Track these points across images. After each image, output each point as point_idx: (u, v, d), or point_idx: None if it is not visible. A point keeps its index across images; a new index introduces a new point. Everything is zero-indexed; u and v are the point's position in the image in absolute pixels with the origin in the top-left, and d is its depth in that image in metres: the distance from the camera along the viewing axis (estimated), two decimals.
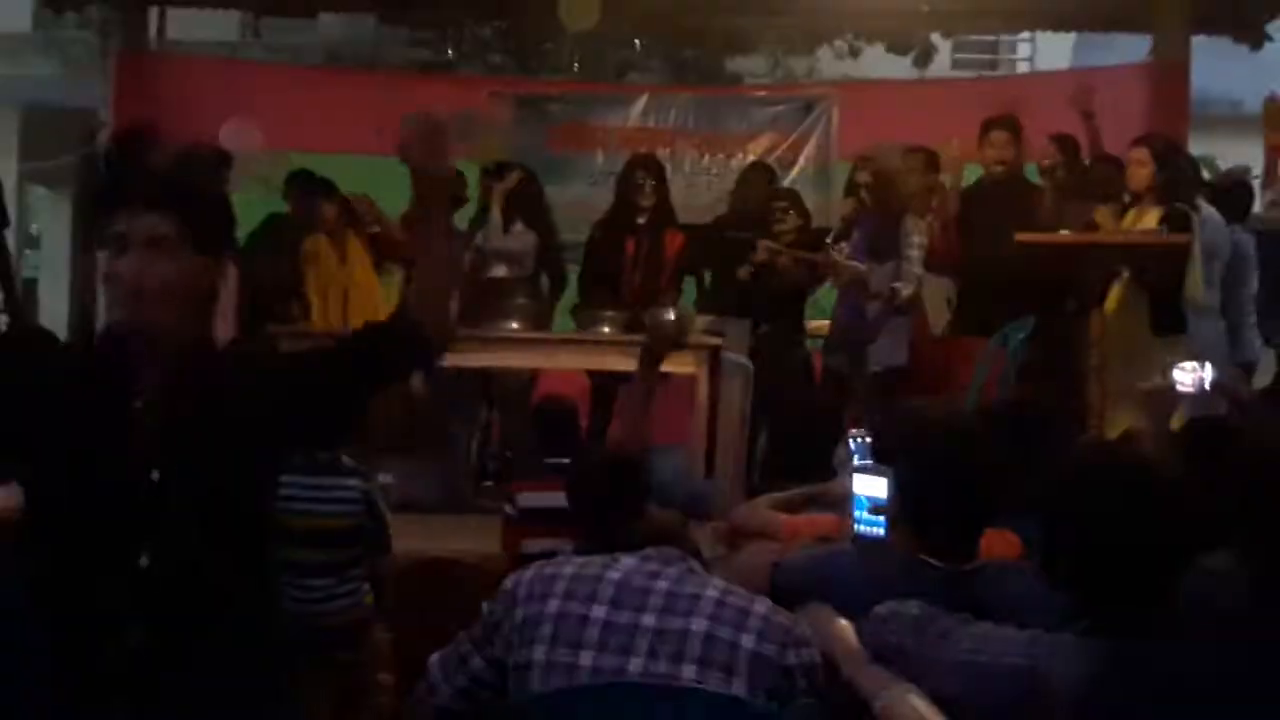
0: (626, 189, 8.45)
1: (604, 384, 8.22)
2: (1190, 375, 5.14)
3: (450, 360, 7.80)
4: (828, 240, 8.19)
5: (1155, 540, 2.39)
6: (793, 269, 8.14)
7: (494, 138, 10.41)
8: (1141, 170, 7.11)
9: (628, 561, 2.90)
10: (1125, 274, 7.10)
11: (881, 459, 3.46)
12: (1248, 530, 2.31)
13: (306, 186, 8.74)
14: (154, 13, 11.55)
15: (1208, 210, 7.22)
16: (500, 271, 8.42)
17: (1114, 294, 7.18)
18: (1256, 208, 8.38)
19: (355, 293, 8.55)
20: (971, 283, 7.95)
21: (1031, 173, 8.14)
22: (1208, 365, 5.16)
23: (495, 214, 8.47)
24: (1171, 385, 4.69)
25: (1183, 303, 6.93)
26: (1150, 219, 7.15)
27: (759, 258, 8.16)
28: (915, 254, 7.63)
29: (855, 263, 7.53)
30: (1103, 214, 7.33)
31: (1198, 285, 6.88)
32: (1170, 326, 6.89)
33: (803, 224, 8.49)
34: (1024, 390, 6.42)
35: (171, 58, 11.58)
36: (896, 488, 3.08)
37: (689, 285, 8.82)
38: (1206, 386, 5.13)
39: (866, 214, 7.88)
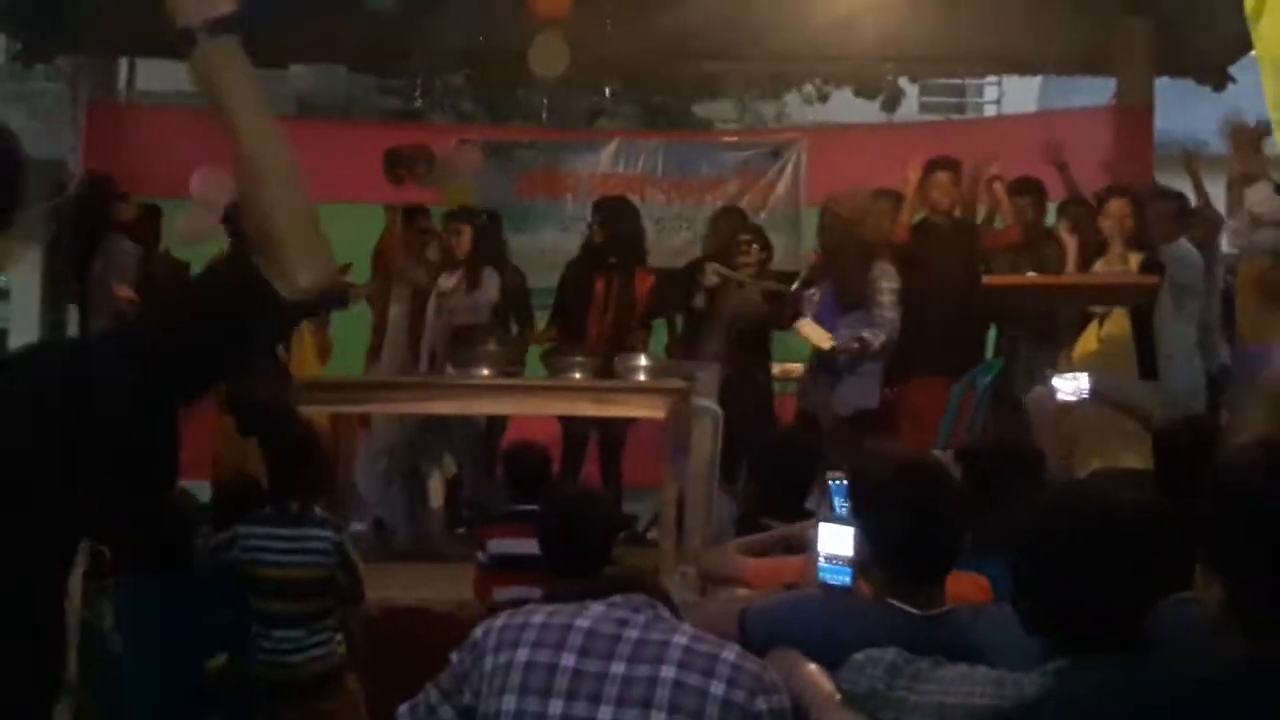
0: (592, 230, 8.49)
1: (575, 430, 8.23)
2: (1070, 384, 5.21)
3: (420, 407, 7.88)
4: (794, 286, 8.21)
5: (1121, 582, 2.40)
6: (752, 296, 8.17)
7: (462, 185, 10.44)
8: (1124, 221, 7.20)
9: (596, 609, 2.89)
10: (1098, 317, 7.15)
11: (850, 502, 3.46)
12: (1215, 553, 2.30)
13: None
14: (124, 63, 11.55)
15: (1184, 249, 7.29)
16: (463, 319, 8.42)
17: (1088, 335, 7.23)
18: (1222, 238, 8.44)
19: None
20: (926, 324, 7.98)
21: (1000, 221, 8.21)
22: (1085, 375, 5.23)
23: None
24: (1052, 393, 4.73)
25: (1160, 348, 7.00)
26: (1130, 263, 7.22)
27: (709, 282, 8.20)
28: (887, 299, 7.66)
29: (815, 327, 7.54)
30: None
31: (1166, 339, 6.95)
32: (1151, 371, 6.97)
33: (765, 258, 8.52)
34: (992, 432, 6.46)
35: (141, 108, 11.58)
36: (864, 532, 3.09)
37: (659, 329, 8.85)
38: (1085, 395, 5.18)
39: (833, 259, 7.91)
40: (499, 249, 8.90)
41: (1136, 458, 6.24)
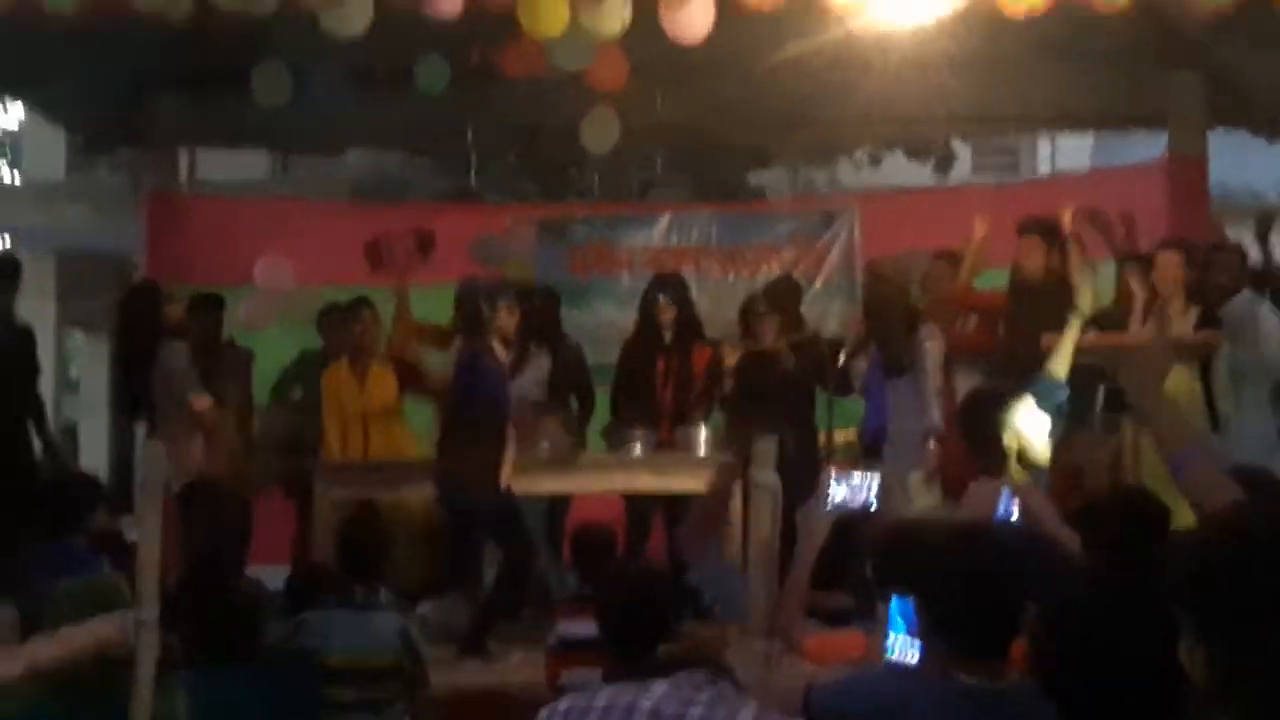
0: (650, 308, 8.50)
1: (639, 506, 8.21)
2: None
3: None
4: (841, 357, 8.18)
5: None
6: (786, 351, 8.17)
7: (519, 263, 10.54)
8: (1174, 273, 7.13)
9: (659, 688, 2.88)
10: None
11: (907, 575, 3.43)
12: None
13: (338, 315, 8.73)
14: (184, 154, 11.75)
15: (1242, 302, 7.20)
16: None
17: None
18: None
19: (374, 422, 8.49)
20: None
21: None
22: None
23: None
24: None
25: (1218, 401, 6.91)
26: (1186, 318, 7.15)
27: (728, 363, 8.22)
28: (931, 364, 7.62)
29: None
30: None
31: (1225, 393, 6.86)
32: (1215, 424, 6.88)
33: (783, 322, 8.52)
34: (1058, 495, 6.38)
35: (202, 198, 11.77)
36: (923, 604, 3.07)
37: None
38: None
39: (878, 326, 7.86)
40: (551, 327, 8.93)
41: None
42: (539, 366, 8.56)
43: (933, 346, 7.63)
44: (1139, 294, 7.35)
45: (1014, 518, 4.46)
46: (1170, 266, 7.17)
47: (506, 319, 7.54)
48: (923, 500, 6.61)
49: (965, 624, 2.98)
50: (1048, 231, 7.91)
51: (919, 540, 3.49)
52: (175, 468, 6.99)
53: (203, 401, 7.75)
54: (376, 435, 8.47)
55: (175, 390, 7.79)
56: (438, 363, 8.26)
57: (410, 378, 8.53)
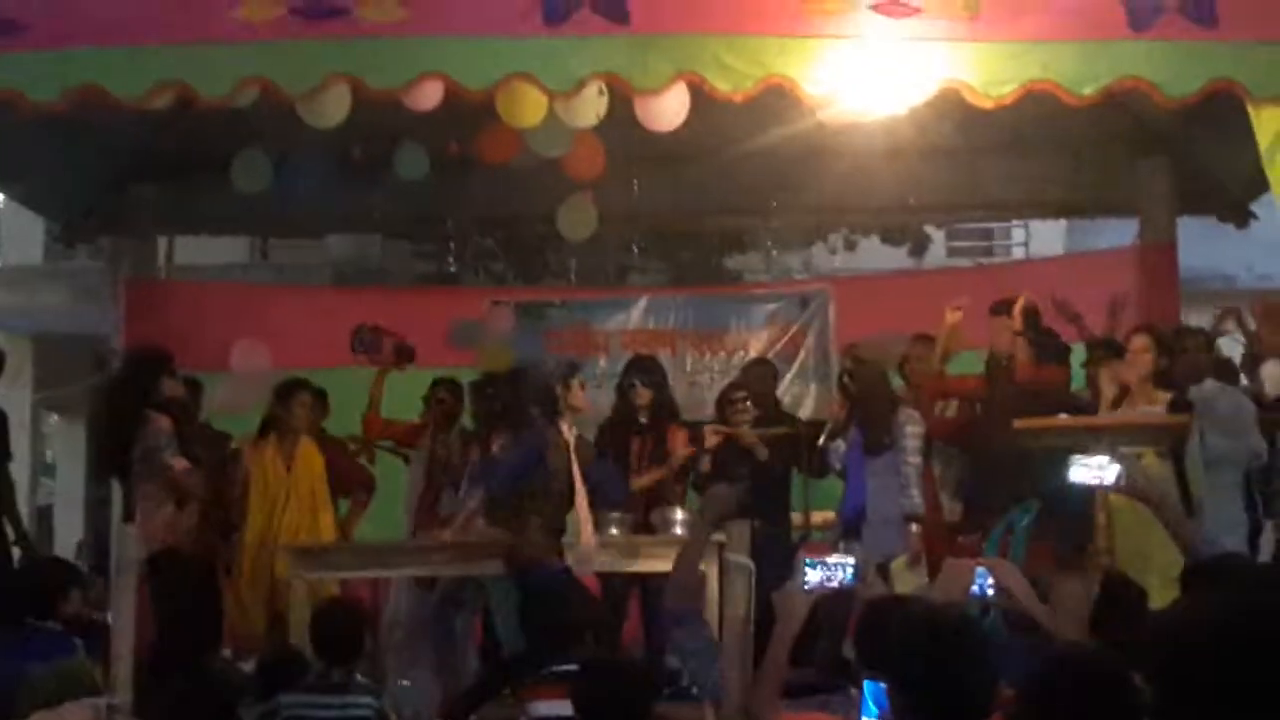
0: (626, 391, 8.56)
1: (615, 585, 8.22)
2: (1094, 471, 4.93)
3: (457, 568, 7.90)
4: (820, 439, 8.23)
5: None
6: (759, 445, 8.22)
7: (497, 347, 10.58)
8: (1144, 357, 7.21)
9: None
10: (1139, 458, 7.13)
11: (877, 657, 3.46)
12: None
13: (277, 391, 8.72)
14: (163, 240, 11.81)
15: (1210, 388, 7.27)
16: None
17: None
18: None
19: (294, 502, 8.39)
20: (981, 467, 7.99)
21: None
22: (1115, 464, 4.94)
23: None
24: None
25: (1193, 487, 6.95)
26: (1156, 401, 7.22)
27: (710, 444, 8.28)
28: (911, 444, 7.69)
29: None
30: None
31: (1198, 478, 6.91)
32: (1190, 508, 6.91)
33: (760, 413, 8.59)
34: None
35: (179, 284, 11.82)
36: (896, 686, 3.09)
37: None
38: (1112, 483, 4.94)
39: (858, 407, 7.94)
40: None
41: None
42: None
43: (912, 429, 7.71)
44: (1106, 386, 7.42)
45: (989, 594, 4.49)
46: (1140, 350, 7.26)
47: (579, 396, 7.62)
48: (906, 583, 6.65)
49: (933, 704, 3.01)
50: (1021, 311, 8.02)
51: (892, 622, 3.52)
52: (147, 539, 6.98)
53: (182, 462, 7.72)
54: (300, 515, 8.37)
55: (155, 458, 7.76)
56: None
57: (343, 470, 8.62)
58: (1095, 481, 5.00)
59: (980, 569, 4.64)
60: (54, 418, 19.29)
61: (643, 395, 8.45)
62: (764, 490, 8.15)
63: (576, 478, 7.31)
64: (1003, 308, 8.06)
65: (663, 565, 7.60)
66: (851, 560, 4.35)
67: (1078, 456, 5.06)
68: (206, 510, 8.06)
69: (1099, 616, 3.88)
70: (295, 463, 8.43)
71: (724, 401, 8.67)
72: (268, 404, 8.67)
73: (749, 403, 8.50)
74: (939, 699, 3.00)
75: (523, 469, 7.25)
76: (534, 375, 7.79)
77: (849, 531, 7.80)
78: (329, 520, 8.55)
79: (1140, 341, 7.31)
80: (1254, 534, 7.35)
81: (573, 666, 5.52)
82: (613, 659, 4.65)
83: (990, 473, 7.84)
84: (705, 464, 8.37)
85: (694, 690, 7.92)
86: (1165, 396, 7.11)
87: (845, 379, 8.11)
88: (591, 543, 7.30)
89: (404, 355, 9.06)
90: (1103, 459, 5.00)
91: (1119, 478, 4.90)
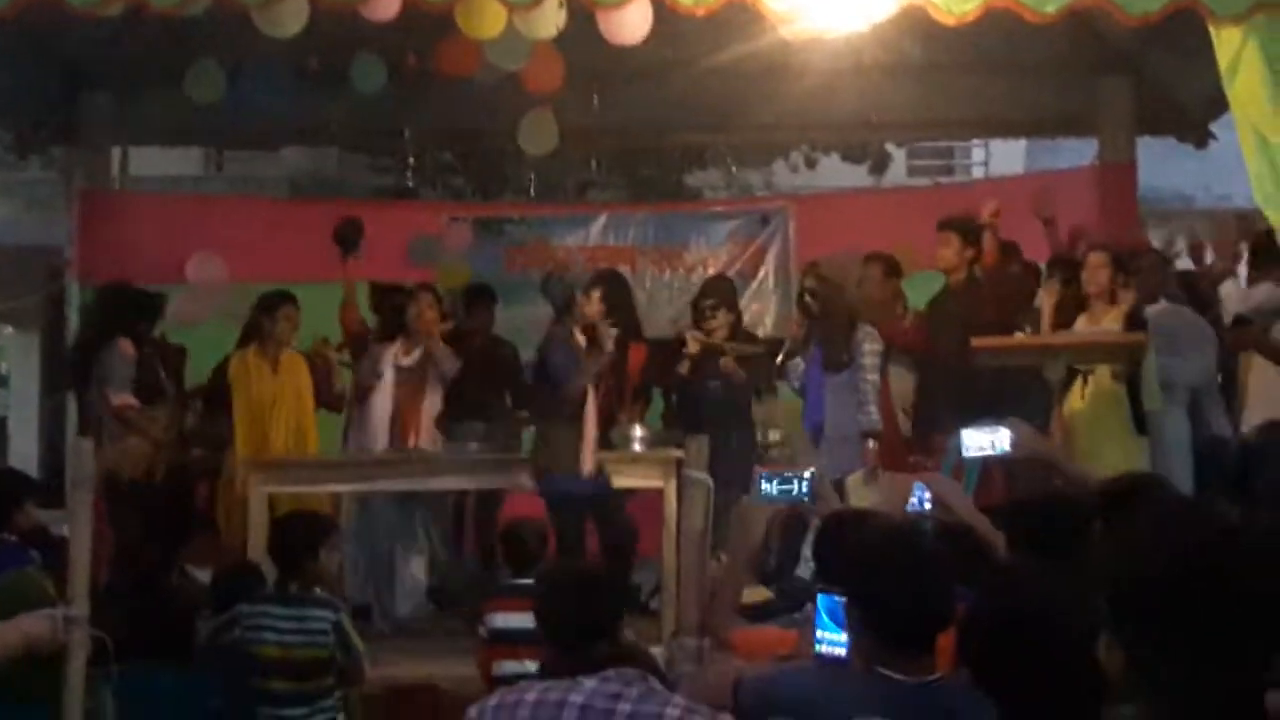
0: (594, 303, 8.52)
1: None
2: (984, 438, 4.98)
3: (411, 483, 7.95)
4: (778, 358, 8.26)
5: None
6: (731, 366, 8.27)
7: (454, 263, 10.55)
8: (1101, 273, 7.26)
9: (589, 684, 2.92)
10: (1091, 374, 7.20)
11: (835, 571, 3.48)
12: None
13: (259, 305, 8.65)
14: (117, 151, 11.66)
15: (1165, 305, 7.33)
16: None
17: (1073, 393, 7.28)
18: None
19: (282, 410, 8.36)
20: (930, 386, 8.04)
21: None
22: (1003, 430, 4.99)
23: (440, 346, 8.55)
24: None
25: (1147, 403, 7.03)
26: (1111, 319, 7.29)
27: (691, 350, 8.32)
28: (869, 361, 7.72)
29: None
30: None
31: (1154, 394, 6.98)
32: (1142, 426, 7.00)
33: (734, 321, 8.62)
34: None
35: (133, 195, 11.68)
36: (851, 600, 3.12)
37: (655, 400, 8.93)
38: (1002, 450, 4.98)
39: (818, 325, 7.97)
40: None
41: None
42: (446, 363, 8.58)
43: (870, 346, 7.74)
44: (1047, 298, 7.48)
45: (927, 507, 4.54)
46: (1098, 268, 7.31)
47: (594, 307, 7.72)
48: (862, 498, 6.70)
49: (891, 619, 3.04)
50: (965, 228, 8.05)
51: (850, 535, 3.55)
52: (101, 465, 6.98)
53: (124, 398, 7.69)
54: (286, 426, 8.35)
55: (108, 390, 7.77)
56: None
57: (321, 378, 8.56)
58: (988, 449, 4.98)
59: (918, 482, 4.69)
60: (8, 329, 19.13)
61: (598, 307, 8.42)
62: (730, 404, 8.20)
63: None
64: (950, 224, 8.09)
65: (625, 482, 7.71)
66: (807, 474, 4.37)
67: (965, 429, 5.05)
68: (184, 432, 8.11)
69: (1047, 531, 3.91)
70: (280, 370, 8.38)
71: (696, 310, 8.67)
72: (250, 314, 8.59)
73: (720, 310, 8.51)
74: (898, 614, 3.04)
75: (567, 373, 7.42)
76: (558, 283, 7.98)
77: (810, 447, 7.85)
78: (314, 432, 8.53)
79: (1096, 258, 7.36)
80: (1204, 455, 7.39)
81: (529, 581, 5.58)
82: (578, 571, 4.66)
83: (940, 390, 7.89)
84: (685, 368, 8.43)
85: (652, 605, 8.05)
86: (1120, 314, 7.17)
87: (807, 298, 8.11)
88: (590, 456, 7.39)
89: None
90: (992, 426, 5.00)
91: (1012, 442, 4.92)
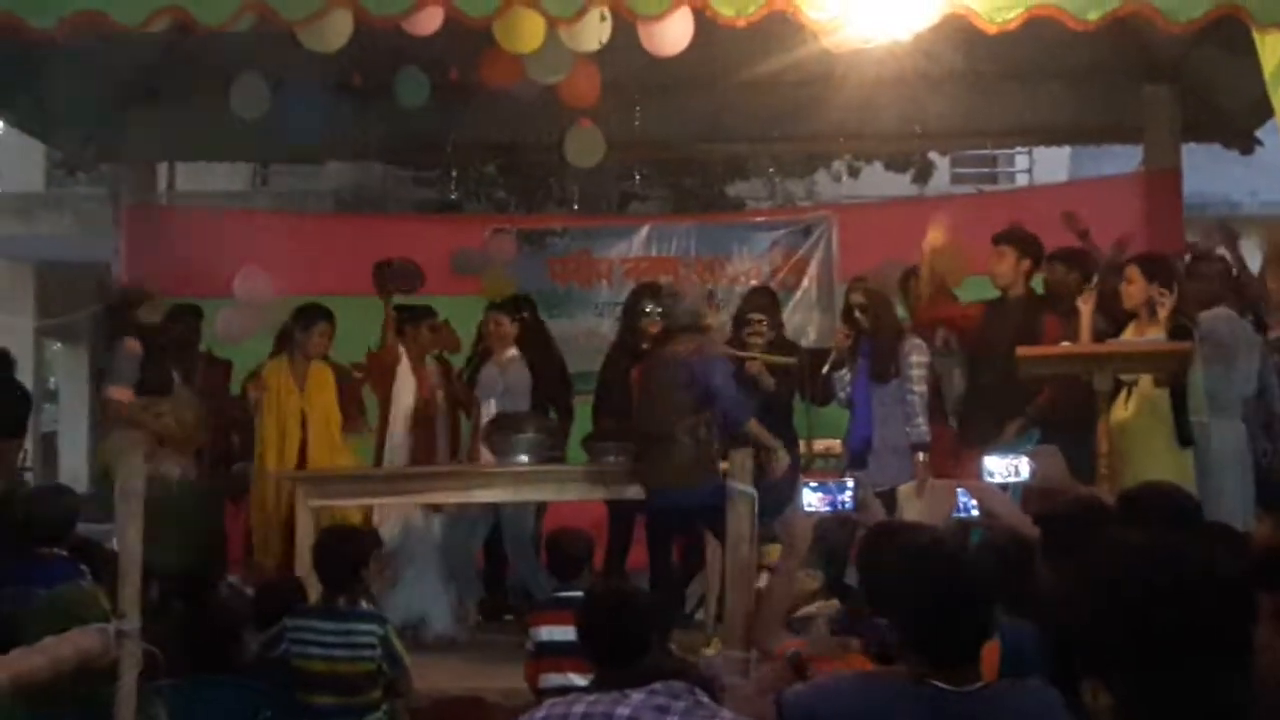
0: (632, 318, 8.54)
1: (621, 512, 8.25)
2: (1004, 464, 4.98)
3: (460, 496, 7.96)
4: (825, 369, 8.23)
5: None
6: (758, 368, 8.25)
7: (499, 274, 10.58)
8: (1131, 287, 7.20)
9: (636, 697, 2.93)
10: (1135, 384, 7.13)
11: (876, 585, 3.47)
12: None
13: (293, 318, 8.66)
14: (163, 167, 11.77)
15: (1216, 315, 7.24)
16: (494, 407, 8.49)
17: (1118, 404, 7.20)
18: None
19: (311, 425, 8.33)
20: (977, 397, 8.00)
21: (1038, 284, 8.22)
22: (1024, 459, 4.99)
23: (498, 354, 8.56)
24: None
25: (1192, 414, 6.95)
26: (1156, 329, 7.21)
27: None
28: (917, 373, 7.69)
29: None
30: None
31: (1199, 404, 6.91)
32: (1188, 438, 6.91)
33: (774, 335, 8.61)
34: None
35: (180, 210, 11.80)
36: (892, 620, 3.11)
37: None
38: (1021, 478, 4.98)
39: (866, 338, 7.96)
40: (546, 339, 9.00)
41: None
42: (522, 375, 8.60)
43: (917, 358, 7.71)
44: (1083, 310, 7.40)
45: (974, 514, 4.53)
46: (1135, 279, 7.24)
47: (715, 317, 7.71)
48: (913, 511, 6.68)
49: (930, 631, 3.03)
50: (1022, 241, 8.01)
51: (890, 549, 3.53)
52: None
53: (121, 392, 7.65)
54: (315, 441, 8.33)
55: (106, 381, 7.73)
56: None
57: (347, 398, 8.54)
58: (1010, 476, 5.01)
59: (962, 490, 4.69)
60: (56, 345, 19.31)
61: (654, 324, 8.40)
62: (769, 417, 8.17)
63: None
64: (1004, 238, 8.05)
65: None
66: (850, 484, 4.38)
67: (988, 458, 5.07)
68: (202, 440, 8.10)
69: (1082, 540, 3.89)
70: (308, 383, 8.39)
71: (741, 322, 8.65)
72: (284, 324, 8.62)
73: (764, 324, 8.50)
74: (936, 627, 3.03)
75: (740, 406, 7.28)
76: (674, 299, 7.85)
77: (855, 461, 7.81)
78: (342, 445, 8.52)
79: (1130, 271, 7.29)
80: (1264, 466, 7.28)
81: (576, 594, 5.58)
82: (617, 590, 4.66)
83: (986, 395, 7.85)
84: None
85: (697, 616, 8.05)
86: (1164, 323, 7.09)
87: (857, 314, 8.06)
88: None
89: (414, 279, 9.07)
90: (1013, 456, 5.02)
91: (1031, 470, 4.93)
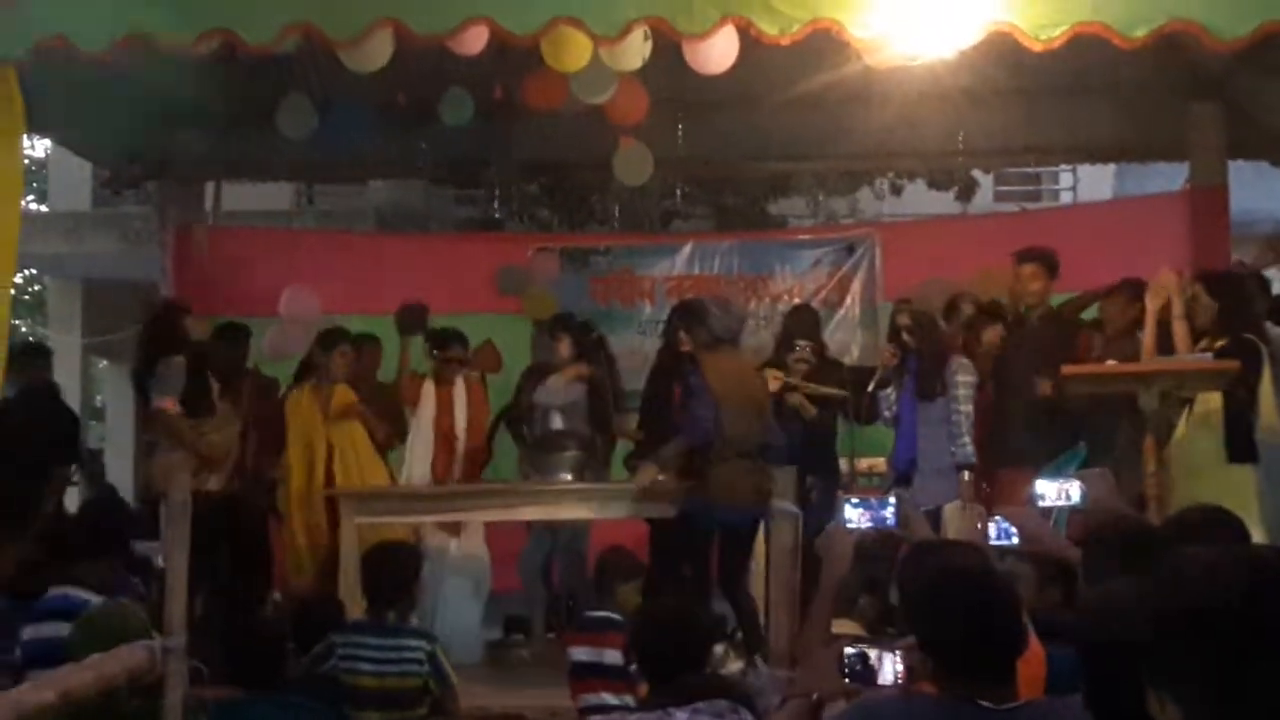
0: (672, 336, 8.53)
1: (663, 530, 8.24)
2: (1055, 488, 4.99)
3: (503, 515, 7.97)
4: (870, 386, 8.19)
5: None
6: (800, 400, 8.24)
7: (541, 293, 10.61)
8: (1198, 305, 7.13)
9: (680, 716, 2.93)
10: (1191, 404, 7.06)
11: (914, 601, 3.45)
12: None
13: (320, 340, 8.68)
14: (209, 186, 11.86)
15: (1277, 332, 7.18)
16: (557, 424, 8.50)
17: (1180, 421, 7.13)
18: None
19: (337, 449, 8.36)
20: (1006, 415, 7.96)
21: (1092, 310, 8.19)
22: (1076, 483, 4.99)
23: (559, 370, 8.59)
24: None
25: (1256, 431, 6.87)
26: (1209, 346, 7.14)
27: (771, 389, 8.28)
28: (963, 393, 7.67)
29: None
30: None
31: (1271, 414, 6.84)
32: (1245, 454, 6.83)
33: (819, 359, 8.59)
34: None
35: (226, 229, 11.86)
36: (925, 641, 3.10)
37: None
38: (1072, 503, 4.97)
39: (912, 357, 7.94)
40: (607, 356, 9.00)
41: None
42: (577, 390, 8.60)
43: (964, 378, 7.69)
44: (1178, 327, 7.28)
45: (1014, 540, 4.52)
46: (1200, 295, 7.15)
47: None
48: (959, 530, 6.67)
49: (959, 650, 3.02)
50: (1048, 260, 8.00)
51: (924, 567, 3.51)
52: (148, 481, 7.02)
53: (167, 402, 7.68)
54: (343, 463, 8.35)
55: (155, 394, 7.77)
56: None
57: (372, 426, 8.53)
58: (1061, 500, 5.01)
59: (999, 515, 4.67)
60: (103, 362, 19.47)
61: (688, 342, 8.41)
62: (811, 441, 8.16)
63: None
64: (1032, 256, 8.04)
65: None
66: (891, 500, 4.37)
67: (1039, 481, 5.08)
68: (241, 459, 8.13)
69: (1123, 566, 3.86)
70: (332, 408, 8.42)
71: (783, 346, 8.63)
72: (309, 350, 8.68)
73: (808, 350, 8.48)
74: (965, 646, 3.02)
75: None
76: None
77: (900, 480, 7.79)
78: (374, 461, 8.54)
79: (1196, 289, 7.21)
80: None
81: (606, 614, 5.61)
82: (673, 607, 4.65)
83: (1017, 418, 7.82)
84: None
85: (738, 636, 8.03)
86: (1219, 342, 7.01)
87: (905, 335, 8.04)
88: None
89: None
90: (1064, 479, 5.03)
91: (1082, 494, 4.92)
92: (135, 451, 17.35)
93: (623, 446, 8.90)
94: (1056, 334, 7.93)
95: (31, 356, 9.18)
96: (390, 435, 8.67)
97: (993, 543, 4.53)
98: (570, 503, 7.99)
